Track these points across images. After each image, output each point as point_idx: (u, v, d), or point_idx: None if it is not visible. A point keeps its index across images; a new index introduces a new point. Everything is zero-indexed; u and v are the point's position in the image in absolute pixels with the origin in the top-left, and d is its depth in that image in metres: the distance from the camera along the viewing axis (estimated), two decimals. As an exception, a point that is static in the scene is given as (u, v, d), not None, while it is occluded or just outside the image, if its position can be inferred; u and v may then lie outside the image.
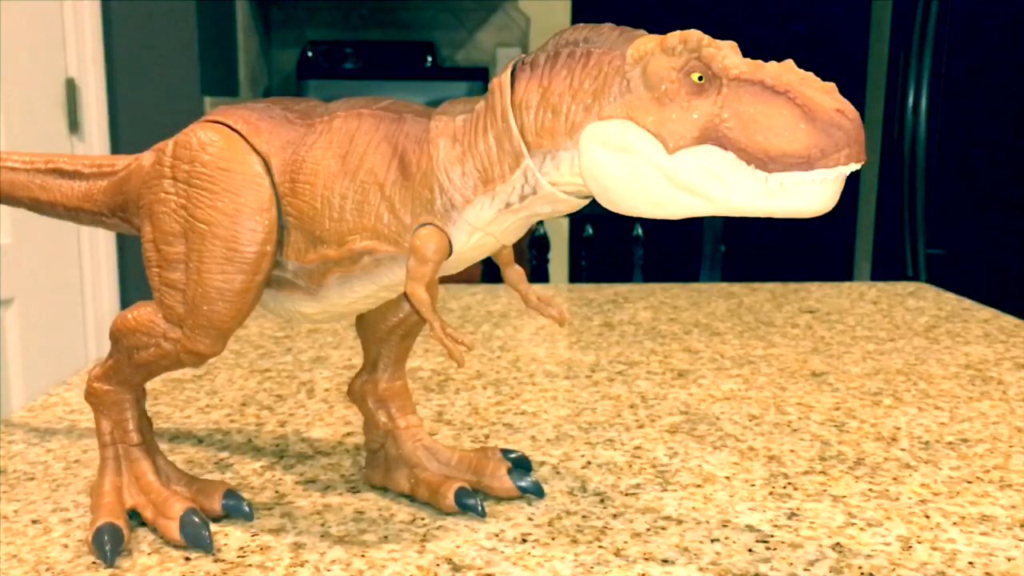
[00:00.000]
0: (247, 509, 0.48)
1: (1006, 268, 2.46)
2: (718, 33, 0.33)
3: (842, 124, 0.30)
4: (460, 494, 0.49)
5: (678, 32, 0.32)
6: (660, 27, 0.37)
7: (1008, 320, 0.97)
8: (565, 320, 0.46)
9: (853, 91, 3.36)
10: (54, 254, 1.60)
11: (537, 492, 0.51)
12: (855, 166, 0.31)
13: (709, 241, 1.44)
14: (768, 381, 0.75)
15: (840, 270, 3.54)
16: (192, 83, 1.91)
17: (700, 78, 0.31)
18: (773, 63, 0.31)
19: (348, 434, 0.62)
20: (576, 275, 2.83)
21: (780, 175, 0.30)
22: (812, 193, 0.31)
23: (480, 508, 0.49)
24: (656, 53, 0.32)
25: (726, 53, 0.31)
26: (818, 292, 1.11)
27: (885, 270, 3.05)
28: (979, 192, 2.60)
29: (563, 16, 2.90)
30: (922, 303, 1.05)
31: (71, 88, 1.61)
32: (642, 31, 0.35)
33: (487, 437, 0.62)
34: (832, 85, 0.31)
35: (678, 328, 0.93)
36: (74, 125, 1.62)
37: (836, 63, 3.37)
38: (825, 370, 0.78)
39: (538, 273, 1.52)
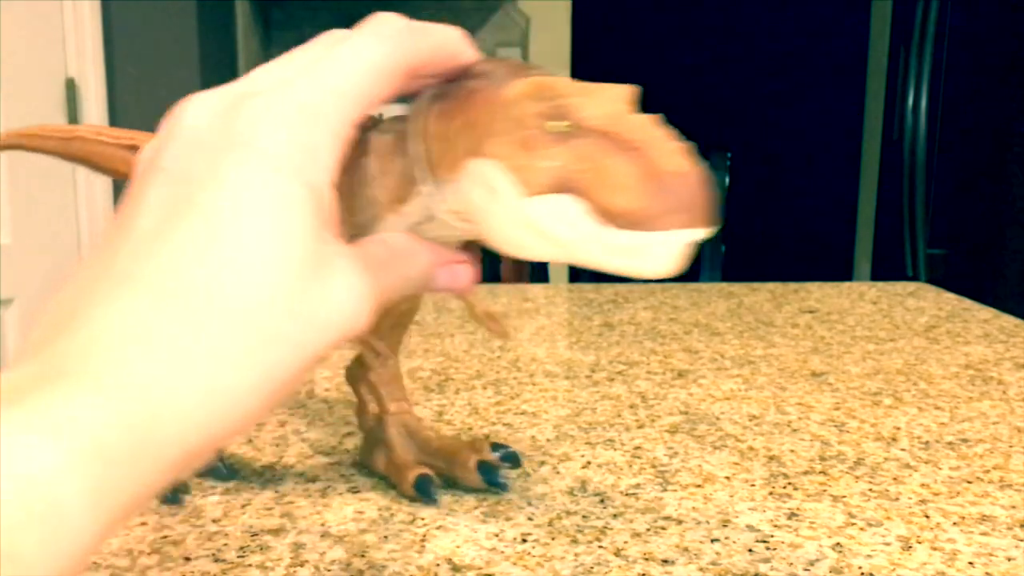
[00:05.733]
0: (224, 471, 0.53)
1: (1006, 268, 2.46)
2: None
3: (677, 188, 0.29)
4: (419, 481, 0.51)
5: (543, 77, 0.31)
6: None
7: (1008, 320, 0.97)
8: (508, 336, 0.46)
9: (853, 91, 3.37)
10: (54, 254, 1.60)
11: (502, 488, 0.52)
12: (692, 232, 0.29)
13: (709, 241, 1.44)
14: (768, 381, 0.75)
15: (840, 270, 3.54)
16: (192, 83, 1.91)
17: (560, 126, 0.31)
18: (638, 116, 0.30)
19: (348, 434, 0.62)
20: (576, 275, 2.83)
21: (621, 232, 0.29)
22: (650, 255, 0.29)
23: (434, 496, 0.50)
24: (524, 97, 0.31)
25: (589, 102, 0.30)
26: (818, 292, 1.11)
27: (885, 270, 3.05)
28: (979, 192, 2.60)
29: (563, 16, 2.90)
30: (922, 303, 1.05)
31: (71, 88, 1.61)
32: (538, 68, 0.34)
33: (487, 437, 0.62)
34: (684, 147, 0.30)
35: (678, 328, 0.93)
36: (74, 125, 1.62)
37: (836, 63, 3.37)
38: (825, 370, 0.78)
39: (538, 273, 1.52)
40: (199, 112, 0.27)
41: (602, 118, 0.30)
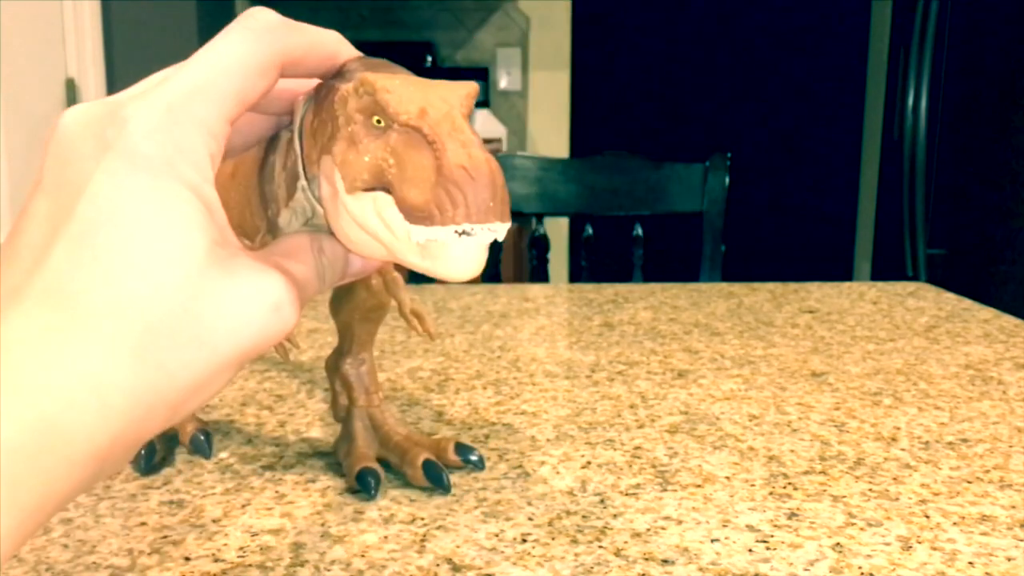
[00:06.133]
0: (207, 449, 0.56)
1: (1006, 268, 2.46)
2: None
3: (461, 181, 0.28)
4: (360, 472, 0.52)
5: (371, 74, 0.31)
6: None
7: (1008, 320, 0.97)
8: (434, 336, 0.52)
9: (853, 91, 3.37)
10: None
11: (444, 489, 0.52)
12: (482, 227, 0.29)
13: (709, 241, 1.44)
14: (768, 381, 0.75)
15: (840, 270, 3.54)
16: (192, 83, 1.91)
17: (379, 121, 0.30)
18: (445, 111, 0.30)
19: (348, 434, 0.62)
20: (576, 275, 2.83)
21: (416, 228, 0.29)
22: (444, 254, 0.29)
23: (372, 491, 0.51)
24: (350, 94, 0.31)
25: (400, 98, 0.30)
26: (818, 292, 1.11)
27: (885, 270, 3.05)
28: (979, 192, 2.60)
29: (563, 16, 2.90)
30: (922, 303, 1.05)
31: (71, 88, 1.61)
32: (396, 68, 0.34)
33: (487, 437, 0.62)
34: (475, 140, 0.30)
35: (678, 328, 0.93)
36: (74, 125, 1.62)
37: (836, 63, 3.37)
38: (825, 370, 0.78)
39: (538, 273, 1.52)
40: (72, 124, 0.27)
41: (411, 114, 0.30)
